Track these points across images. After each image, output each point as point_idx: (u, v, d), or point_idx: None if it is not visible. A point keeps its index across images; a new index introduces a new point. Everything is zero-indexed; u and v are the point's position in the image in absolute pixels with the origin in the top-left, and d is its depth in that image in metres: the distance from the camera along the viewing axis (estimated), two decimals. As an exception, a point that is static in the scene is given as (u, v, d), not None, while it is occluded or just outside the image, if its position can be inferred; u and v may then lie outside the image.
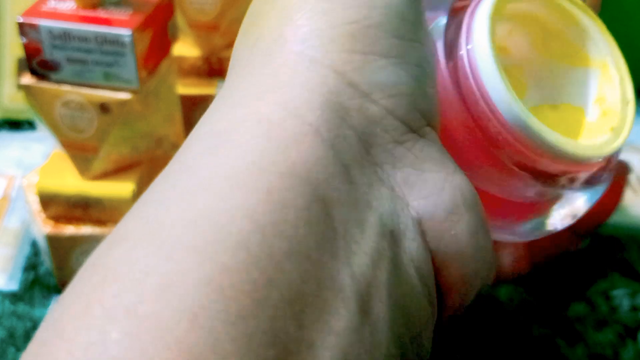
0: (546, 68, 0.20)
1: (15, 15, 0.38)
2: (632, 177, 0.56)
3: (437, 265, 0.15)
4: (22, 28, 0.37)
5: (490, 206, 0.18)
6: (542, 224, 0.19)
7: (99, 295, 0.13)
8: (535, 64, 0.20)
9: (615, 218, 0.52)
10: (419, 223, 0.15)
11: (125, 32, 0.37)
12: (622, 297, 0.46)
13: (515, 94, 0.17)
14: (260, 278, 0.12)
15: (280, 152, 0.14)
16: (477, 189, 0.17)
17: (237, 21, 0.59)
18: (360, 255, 0.14)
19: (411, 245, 0.15)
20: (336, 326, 0.13)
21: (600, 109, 0.19)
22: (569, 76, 0.19)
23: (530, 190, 0.18)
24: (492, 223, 0.18)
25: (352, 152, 0.14)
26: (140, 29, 0.38)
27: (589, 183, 0.18)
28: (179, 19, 0.51)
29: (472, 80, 0.17)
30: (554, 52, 0.20)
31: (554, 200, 0.19)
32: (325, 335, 0.13)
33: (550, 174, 0.18)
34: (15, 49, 0.55)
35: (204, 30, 0.52)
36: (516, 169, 0.17)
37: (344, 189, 0.14)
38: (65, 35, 0.37)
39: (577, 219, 0.19)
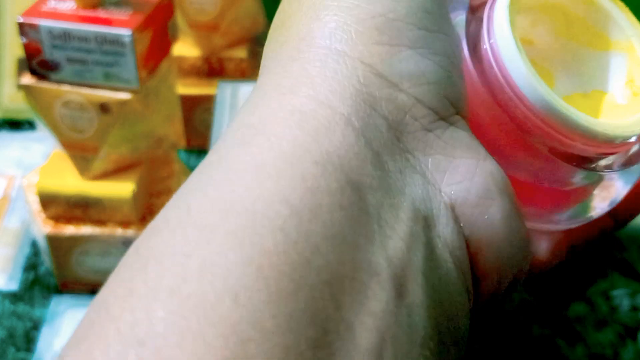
0: (573, 56, 0.20)
1: (15, 15, 0.38)
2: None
3: (471, 251, 0.16)
4: (22, 28, 0.37)
5: (526, 194, 0.18)
6: (580, 212, 0.19)
7: (142, 277, 0.13)
8: (561, 53, 0.20)
9: (615, 218, 0.52)
10: (452, 208, 0.15)
11: (125, 32, 0.37)
12: (622, 297, 0.46)
13: (541, 80, 0.17)
14: (298, 259, 0.13)
15: (313, 141, 0.14)
16: (512, 178, 0.17)
17: (237, 21, 0.59)
18: (395, 239, 0.14)
19: (445, 231, 0.15)
20: (373, 307, 0.13)
21: (630, 91, 0.19)
22: (596, 62, 0.19)
23: (566, 175, 0.18)
24: (528, 212, 0.18)
25: (383, 139, 0.15)
26: (140, 29, 0.38)
27: (625, 164, 0.18)
28: (179, 19, 0.51)
29: (497, 71, 0.17)
30: (579, 39, 0.20)
31: (590, 186, 0.18)
32: (363, 316, 0.13)
33: (583, 157, 0.18)
34: (15, 49, 0.55)
35: (204, 30, 0.52)
36: (549, 154, 0.17)
37: (376, 175, 0.14)
38: (65, 35, 0.37)
39: (616, 203, 0.19)
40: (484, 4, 0.18)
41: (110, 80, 0.38)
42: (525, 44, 0.20)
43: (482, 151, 0.16)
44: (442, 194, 0.15)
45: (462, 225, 0.15)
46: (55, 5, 0.39)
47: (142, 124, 0.41)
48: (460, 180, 0.15)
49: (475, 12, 0.18)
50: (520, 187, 0.18)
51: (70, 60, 0.38)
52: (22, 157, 0.53)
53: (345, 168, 0.14)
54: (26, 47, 0.38)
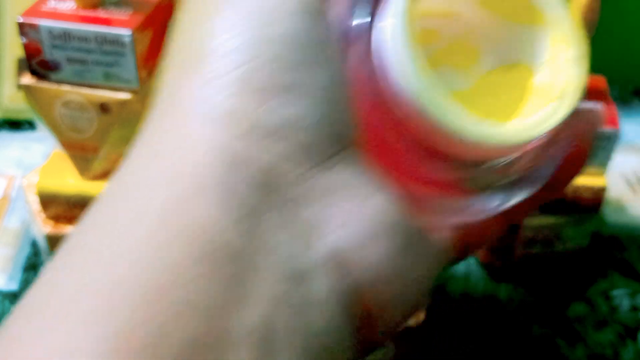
0: (500, 29, 0.19)
1: (15, 15, 0.38)
2: (631, 177, 0.56)
3: (359, 293, 0.15)
4: (22, 28, 0.37)
5: (434, 189, 0.17)
6: (498, 196, 0.18)
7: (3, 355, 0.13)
8: (488, 24, 0.19)
9: (615, 218, 0.52)
10: (333, 256, 0.15)
11: (125, 32, 0.37)
12: (622, 297, 0.46)
13: (428, 77, 0.16)
14: (158, 332, 0.13)
15: (175, 211, 0.14)
16: (414, 172, 0.16)
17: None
18: (262, 301, 0.14)
19: (323, 280, 0.15)
20: None
21: (549, 70, 0.18)
22: (524, 35, 0.19)
23: (467, 173, 0.17)
24: (442, 205, 0.17)
25: (251, 201, 0.14)
26: (140, 29, 0.38)
27: (537, 158, 0.18)
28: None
29: (389, 81, 0.16)
30: (506, 12, 0.19)
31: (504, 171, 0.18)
32: None
33: (476, 160, 0.17)
34: (15, 49, 0.55)
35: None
36: (437, 155, 0.17)
37: (242, 240, 0.14)
38: (65, 35, 0.37)
39: (542, 184, 0.18)
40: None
41: (110, 80, 0.38)
42: (450, 16, 0.19)
43: (369, 188, 0.16)
44: (321, 243, 0.15)
45: (347, 269, 0.15)
46: (55, 5, 0.39)
47: (142, 124, 0.41)
48: (341, 226, 0.15)
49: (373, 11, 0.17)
50: (432, 184, 0.17)
51: (70, 60, 0.38)
52: (22, 157, 0.53)
53: (208, 236, 0.14)
54: (26, 47, 0.38)
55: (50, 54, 0.38)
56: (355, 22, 0.17)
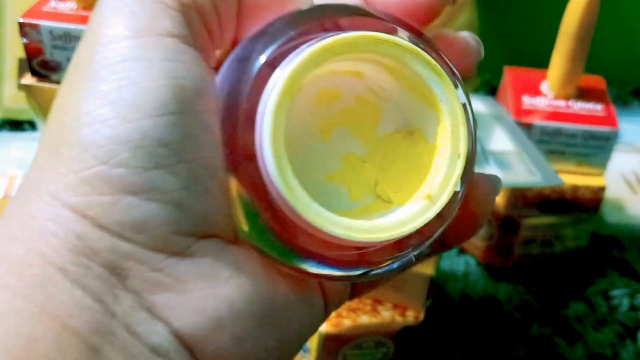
0: (401, 93, 0.20)
1: (16, 15, 0.38)
2: (630, 177, 0.57)
3: None
4: (23, 28, 0.37)
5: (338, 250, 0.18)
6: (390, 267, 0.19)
7: None
8: (389, 86, 0.20)
9: (615, 218, 0.52)
10: (181, 339, 0.16)
11: (125, 33, 0.37)
12: (621, 297, 0.47)
13: (290, 178, 0.16)
14: None
15: (27, 297, 0.15)
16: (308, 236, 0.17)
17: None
18: None
19: (175, 358, 0.16)
20: None
21: (434, 158, 0.18)
22: (421, 110, 0.19)
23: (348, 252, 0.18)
24: (346, 260, 0.18)
25: (104, 286, 0.15)
26: (140, 29, 0.38)
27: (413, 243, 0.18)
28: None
29: (265, 176, 0.17)
30: (408, 84, 0.19)
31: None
32: None
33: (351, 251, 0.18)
34: (15, 49, 0.55)
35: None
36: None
37: (96, 320, 0.15)
38: (66, 36, 0.37)
39: (425, 251, 0.19)
40: (262, 81, 0.17)
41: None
42: (355, 75, 0.20)
43: (224, 274, 0.16)
44: (171, 327, 0.16)
45: (193, 352, 0.16)
46: (56, 6, 0.39)
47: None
48: (188, 314, 0.16)
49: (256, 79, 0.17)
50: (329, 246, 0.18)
51: (70, 60, 0.38)
52: (23, 157, 0.53)
53: (63, 316, 0.15)
54: (27, 48, 0.38)
55: (51, 54, 0.38)
56: (240, 82, 0.17)
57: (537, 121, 0.43)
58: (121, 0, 0.17)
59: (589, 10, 0.42)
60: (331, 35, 0.17)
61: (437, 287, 0.46)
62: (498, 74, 0.50)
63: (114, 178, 0.15)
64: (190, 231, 0.16)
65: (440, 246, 0.21)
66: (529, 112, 0.44)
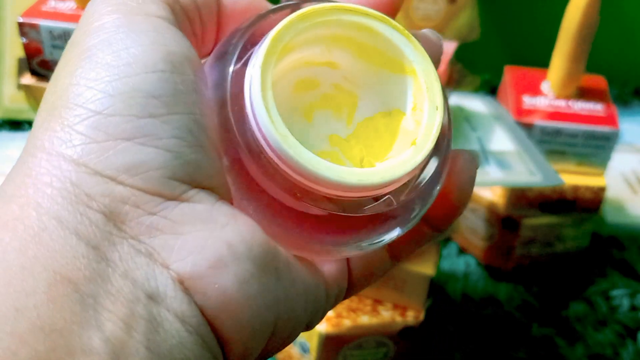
0: (375, 76, 0.20)
1: (15, 15, 0.38)
2: (631, 177, 0.56)
3: (209, 318, 0.16)
4: (23, 28, 0.37)
5: (324, 225, 0.19)
6: (375, 239, 0.19)
7: None
8: (364, 73, 0.21)
9: (615, 218, 0.52)
10: (181, 282, 0.16)
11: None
12: (622, 297, 0.46)
13: (281, 125, 0.17)
14: (2, 355, 0.14)
15: (20, 249, 0.15)
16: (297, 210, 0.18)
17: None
18: (113, 320, 0.15)
19: (173, 304, 0.16)
20: None
21: (413, 120, 0.19)
22: (397, 84, 0.20)
23: (340, 207, 0.18)
24: (333, 240, 0.19)
25: (100, 233, 0.15)
26: (140, 29, 0.38)
27: (402, 198, 0.19)
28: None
29: (253, 129, 0.18)
30: (376, 62, 0.20)
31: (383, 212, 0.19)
32: None
33: (344, 199, 0.18)
34: (15, 49, 0.55)
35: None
36: (304, 199, 0.18)
37: (91, 267, 0.15)
38: (66, 35, 0.37)
39: (411, 226, 0.19)
40: (245, 51, 0.18)
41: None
42: (329, 66, 0.21)
43: (222, 220, 0.17)
44: (170, 270, 0.16)
45: (193, 295, 0.16)
46: (56, 6, 0.39)
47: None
48: (187, 255, 0.16)
49: (238, 63, 0.18)
50: (316, 219, 0.18)
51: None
52: (23, 157, 0.53)
53: (56, 266, 0.15)
54: (26, 47, 0.38)
55: (50, 53, 0.38)
56: (224, 69, 0.18)
57: (538, 121, 0.43)
58: None
59: (589, 10, 0.42)
60: (305, 7, 0.19)
61: (437, 287, 0.46)
62: (498, 74, 0.50)
63: (108, 125, 0.16)
64: (185, 178, 0.17)
65: (427, 228, 0.22)
66: (530, 112, 0.44)
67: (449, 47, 0.40)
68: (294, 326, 0.18)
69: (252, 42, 0.19)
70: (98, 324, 0.14)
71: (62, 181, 0.16)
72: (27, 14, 0.38)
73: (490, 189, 0.46)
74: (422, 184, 0.19)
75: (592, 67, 0.46)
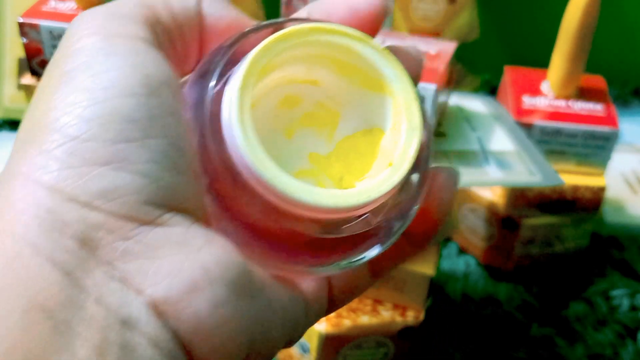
0: (356, 95, 0.21)
1: (15, 15, 0.38)
2: (631, 177, 0.57)
3: (184, 342, 0.16)
4: (23, 28, 0.37)
5: (302, 247, 0.19)
6: (355, 259, 0.19)
7: None
8: (345, 91, 0.21)
9: (615, 218, 0.52)
10: (155, 307, 0.16)
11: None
12: (621, 297, 0.47)
13: (256, 147, 0.17)
14: None
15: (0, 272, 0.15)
16: (271, 230, 0.18)
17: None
18: (86, 347, 0.15)
19: (147, 328, 0.16)
20: None
21: (392, 138, 0.20)
22: (377, 102, 0.20)
23: (318, 229, 0.18)
24: (316, 260, 0.19)
25: (74, 259, 0.16)
26: (140, 29, 0.38)
27: (382, 218, 0.19)
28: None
29: (231, 152, 0.18)
30: (357, 80, 0.20)
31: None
32: None
33: (322, 221, 0.18)
34: (15, 49, 0.55)
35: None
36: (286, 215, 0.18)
37: (65, 294, 0.15)
38: (66, 36, 0.37)
39: (390, 243, 0.19)
40: (225, 71, 0.18)
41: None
42: (312, 84, 0.21)
43: (196, 243, 0.17)
44: (145, 295, 0.16)
45: (168, 319, 0.16)
46: (56, 6, 0.39)
47: None
48: (161, 280, 0.16)
49: (217, 83, 0.18)
50: (293, 241, 0.18)
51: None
52: (23, 157, 0.53)
53: (31, 293, 0.15)
54: (27, 47, 0.38)
55: (50, 54, 0.38)
56: (204, 89, 0.18)
57: (538, 121, 0.43)
58: (92, 15, 0.19)
59: (589, 10, 0.42)
60: (286, 27, 0.19)
61: (437, 287, 0.46)
62: (498, 74, 0.50)
63: (85, 151, 0.16)
64: (161, 202, 0.17)
65: (408, 245, 0.22)
66: (529, 112, 0.44)
67: (449, 47, 0.40)
68: (271, 346, 0.18)
69: (232, 62, 0.19)
70: (72, 351, 0.15)
71: (37, 208, 0.16)
72: (27, 14, 0.38)
73: (490, 189, 0.46)
74: (401, 203, 0.19)
75: (591, 67, 0.46)
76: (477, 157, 0.38)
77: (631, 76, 0.67)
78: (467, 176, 0.37)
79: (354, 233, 0.19)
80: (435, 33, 0.53)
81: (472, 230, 0.49)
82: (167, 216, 0.17)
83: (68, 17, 0.38)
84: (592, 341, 0.44)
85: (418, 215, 0.20)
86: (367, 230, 0.19)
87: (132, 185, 0.16)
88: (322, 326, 0.37)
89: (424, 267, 0.38)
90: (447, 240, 0.51)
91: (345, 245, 0.19)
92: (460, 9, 0.52)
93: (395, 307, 0.39)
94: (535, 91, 0.46)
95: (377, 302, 0.39)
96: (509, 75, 0.48)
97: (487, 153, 0.39)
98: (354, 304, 0.39)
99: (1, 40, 0.56)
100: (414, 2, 0.51)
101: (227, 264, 0.17)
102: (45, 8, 0.39)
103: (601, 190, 0.45)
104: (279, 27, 0.19)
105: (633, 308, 0.46)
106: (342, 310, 0.38)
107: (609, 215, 0.53)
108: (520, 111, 0.44)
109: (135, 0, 0.19)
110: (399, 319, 0.38)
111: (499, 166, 0.38)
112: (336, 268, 0.19)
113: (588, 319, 0.45)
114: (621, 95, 0.65)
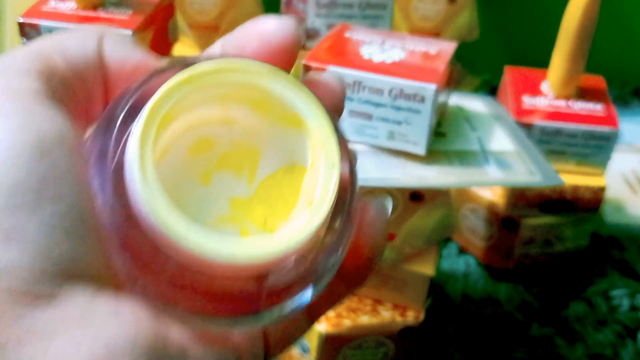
0: (274, 130, 0.20)
1: (15, 15, 0.38)
2: (631, 177, 0.57)
3: None
4: (23, 28, 0.37)
5: (221, 305, 0.17)
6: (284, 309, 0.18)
7: None
8: (264, 128, 0.20)
9: (615, 218, 0.52)
10: None
11: (125, 33, 0.37)
12: (621, 297, 0.46)
13: (162, 200, 0.16)
14: None
15: None
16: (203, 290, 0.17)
17: (237, 21, 0.59)
18: None
19: None
20: None
21: (311, 176, 0.19)
22: (295, 139, 0.19)
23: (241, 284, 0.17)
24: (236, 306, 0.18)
25: None
26: (140, 29, 0.38)
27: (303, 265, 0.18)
28: (179, 20, 0.51)
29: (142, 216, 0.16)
30: (274, 116, 0.19)
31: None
32: None
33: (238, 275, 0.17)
34: (15, 49, 0.55)
35: (204, 31, 0.52)
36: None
37: None
38: (66, 36, 0.37)
39: (322, 287, 0.18)
40: (129, 119, 0.17)
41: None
42: (227, 122, 0.20)
43: (99, 316, 0.16)
44: None
45: None
46: (56, 6, 0.39)
47: None
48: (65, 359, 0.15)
49: (120, 132, 0.17)
50: (211, 299, 0.17)
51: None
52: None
53: None
54: (27, 48, 0.38)
55: (50, 54, 0.38)
56: (107, 140, 0.17)
57: (538, 121, 0.43)
58: None
59: (589, 10, 0.42)
60: (192, 67, 0.17)
61: (437, 287, 0.46)
62: (498, 74, 0.50)
63: None
64: (58, 273, 0.15)
65: (343, 285, 0.21)
66: (529, 112, 0.44)
67: (449, 47, 0.40)
68: None
69: (137, 108, 0.17)
70: None
71: None
72: (27, 14, 0.38)
73: (490, 189, 0.46)
74: (327, 243, 0.18)
75: (591, 67, 0.46)
76: (477, 157, 0.38)
77: (631, 76, 0.67)
78: (467, 176, 0.37)
79: (280, 282, 0.17)
80: (435, 33, 0.53)
81: (472, 230, 0.49)
82: (65, 287, 0.15)
83: (68, 17, 0.38)
84: (592, 341, 0.44)
85: (349, 253, 0.19)
86: (294, 277, 0.18)
87: (24, 258, 0.15)
88: (322, 326, 0.37)
89: (424, 267, 0.38)
90: (447, 240, 0.51)
91: (274, 295, 0.18)
92: (460, 9, 0.53)
93: (395, 307, 0.39)
94: (535, 91, 0.46)
95: (377, 302, 0.39)
96: (509, 75, 0.48)
97: (487, 153, 0.39)
98: (354, 304, 0.38)
99: (1, 40, 0.56)
100: (414, 2, 0.51)
101: (136, 336, 0.16)
102: (45, 8, 0.39)
103: (601, 190, 0.45)
104: (186, 66, 0.18)
105: (633, 308, 0.46)
106: (342, 310, 0.38)
107: (609, 215, 0.53)
108: (520, 111, 0.44)
109: (27, 52, 0.18)
110: (399, 319, 0.38)
111: (499, 166, 0.38)
112: (267, 320, 0.18)
113: (588, 319, 0.45)
114: (621, 95, 0.65)
